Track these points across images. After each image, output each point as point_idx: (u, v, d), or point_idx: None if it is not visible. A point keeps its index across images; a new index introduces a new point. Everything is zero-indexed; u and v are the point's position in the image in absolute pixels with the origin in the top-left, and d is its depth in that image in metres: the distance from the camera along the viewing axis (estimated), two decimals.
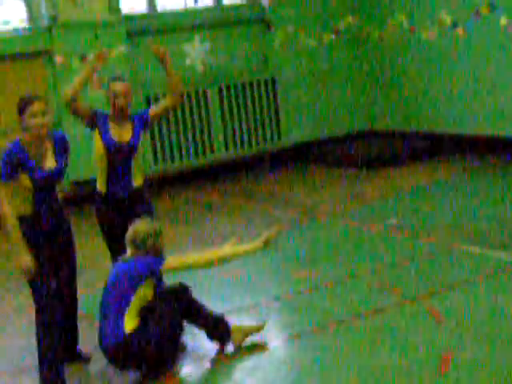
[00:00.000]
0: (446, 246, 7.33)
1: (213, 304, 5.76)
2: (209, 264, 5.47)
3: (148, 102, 11.60)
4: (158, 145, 11.77)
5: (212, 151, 12.19)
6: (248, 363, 5.36)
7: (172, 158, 11.94)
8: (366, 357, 5.17)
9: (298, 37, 12.72)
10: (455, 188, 9.79)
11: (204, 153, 12.14)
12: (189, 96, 11.96)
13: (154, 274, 5.31)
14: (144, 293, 5.28)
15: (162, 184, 11.51)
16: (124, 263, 5.36)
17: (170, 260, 5.35)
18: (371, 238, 8.06)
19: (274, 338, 5.70)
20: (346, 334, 5.64)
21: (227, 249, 5.52)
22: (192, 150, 12.04)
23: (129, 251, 5.39)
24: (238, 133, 12.37)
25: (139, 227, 5.37)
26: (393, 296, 6.21)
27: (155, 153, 11.74)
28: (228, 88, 12.27)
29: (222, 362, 5.43)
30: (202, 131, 12.12)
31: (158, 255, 5.39)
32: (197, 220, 9.58)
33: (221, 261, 5.49)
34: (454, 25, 11.37)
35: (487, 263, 6.72)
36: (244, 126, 12.40)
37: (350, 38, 13.10)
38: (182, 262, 5.41)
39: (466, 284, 6.29)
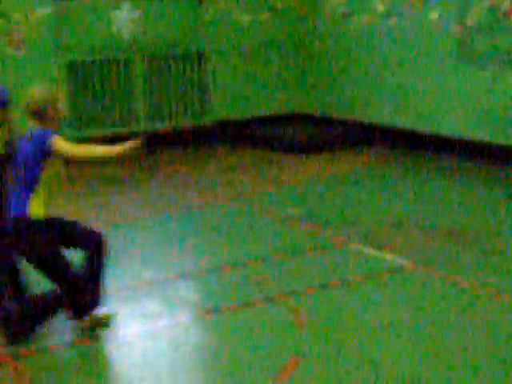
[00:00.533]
0: (340, 242, 7.14)
1: None
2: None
3: (71, 68, 11.29)
4: (77, 110, 11.45)
5: (132, 122, 11.90)
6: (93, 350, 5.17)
7: (90, 125, 11.63)
8: (211, 354, 5.00)
9: (232, 12, 12.42)
10: (372, 181, 9.60)
11: (123, 123, 11.85)
12: (113, 64, 11.65)
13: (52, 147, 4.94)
14: (49, 177, 5.00)
15: None
16: (26, 138, 5.06)
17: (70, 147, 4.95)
18: (266, 225, 7.84)
19: (126, 327, 5.45)
20: (200, 328, 5.47)
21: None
22: (111, 119, 11.75)
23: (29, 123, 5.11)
24: (160, 105, 12.09)
25: (33, 94, 5.07)
26: (264, 290, 5.98)
27: (73, 118, 11.43)
28: (154, 59, 11.96)
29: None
30: (123, 101, 11.81)
31: (58, 125, 5.13)
32: (98, 192, 9.32)
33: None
34: (388, 14, 11.20)
35: (376, 265, 6.50)
36: (168, 99, 12.13)
37: (286, 18, 12.83)
38: (84, 150, 5.01)
39: (345, 285, 6.06)
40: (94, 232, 5.38)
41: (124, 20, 11.71)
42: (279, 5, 12.71)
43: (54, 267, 5.15)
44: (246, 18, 12.53)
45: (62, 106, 5.15)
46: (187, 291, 6.13)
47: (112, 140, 11.39)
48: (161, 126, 12.10)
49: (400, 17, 11.01)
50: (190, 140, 12.25)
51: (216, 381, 4.65)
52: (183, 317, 5.60)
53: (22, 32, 10.61)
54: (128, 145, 4.95)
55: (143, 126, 11.94)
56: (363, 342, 5.05)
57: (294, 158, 11.00)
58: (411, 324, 5.33)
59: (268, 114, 12.87)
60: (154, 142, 11.96)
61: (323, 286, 6.05)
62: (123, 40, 11.72)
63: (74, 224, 5.36)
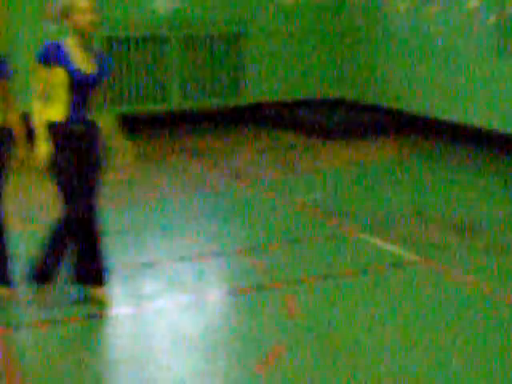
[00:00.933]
0: (348, 232, 7.05)
1: None
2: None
3: (107, 43, 11.34)
4: (111, 86, 11.50)
5: (165, 100, 11.92)
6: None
7: (123, 101, 11.68)
8: (200, 337, 4.96)
9: None
10: (396, 171, 9.45)
11: (156, 101, 11.87)
12: (149, 41, 11.68)
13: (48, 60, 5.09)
14: (52, 86, 5.11)
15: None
16: None
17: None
18: (279, 211, 7.80)
19: (123, 306, 5.48)
20: (195, 312, 5.42)
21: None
22: (145, 96, 11.78)
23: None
24: (196, 84, 12.07)
25: None
26: (264, 277, 5.95)
27: (108, 94, 11.47)
28: (191, 37, 11.94)
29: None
30: (157, 78, 11.83)
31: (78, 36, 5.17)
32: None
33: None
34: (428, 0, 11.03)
35: (380, 257, 6.39)
36: (203, 78, 12.10)
37: (328, 2, 12.69)
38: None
39: (346, 276, 6.00)
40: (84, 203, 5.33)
41: None
42: None
43: (59, 178, 5.17)
44: (287, 2, 12.42)
45: (88, 18, 5.11)
46: (189, 274, 6.10)
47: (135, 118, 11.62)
48: (194, 105, 12.09)
49: (440, 3, 10.79)
50: (222, 121, 12.22)
51: (200, 364, 4.63)
52: (180, 299, 5.59)
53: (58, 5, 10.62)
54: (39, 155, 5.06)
55: (176, 104, 11.95)
56: (350, 336, 4.97)
57: (323, 143, 10.91)
58: (405, 319, 5.22)
59: (303, 97, 12.77)
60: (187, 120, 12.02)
61: (323, 276, 5.98)
62: (160, 17, 11.71)
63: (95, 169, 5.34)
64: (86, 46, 5.23)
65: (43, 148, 5.07)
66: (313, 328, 5.09)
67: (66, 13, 5.16)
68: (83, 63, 5.20)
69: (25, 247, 6.30)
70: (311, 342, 4.89)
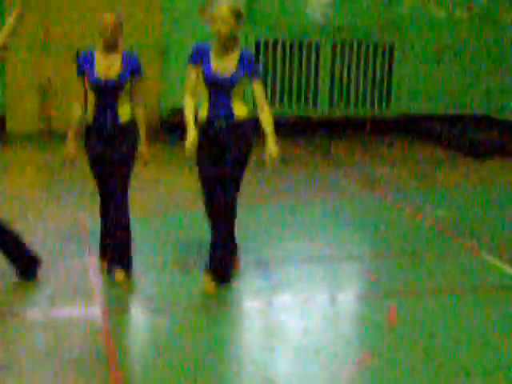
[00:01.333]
0: (469, 250, 6.99)
1: None
2: None
3: (258, 46, 11.63)
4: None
5: (314, 105, 12.12)
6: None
7: (276, 104, 11.97)
8: (301, 338, 5.07)
9: (427, 6, 12.27)
10: None
11: (306, 105, 12.10)
12: (301, 46, 11.90)
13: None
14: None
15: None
16: None
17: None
18: (402, 222, 7.85)
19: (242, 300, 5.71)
20: (305, 316, 5.53)
21: None
22: (294, 101, 12.02)
23: None
24: (344, 92, 12.20)
25: None
26: (369, 285, 6.05)
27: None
28: (343, 44, 12.07)
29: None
30: (307, 84, 12.04)
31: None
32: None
33: None
34: None
35: (495, 278, 6.29)
36: (352, 87, 12.21)
37: (482, 17, 12.50)
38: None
39: (454, 294, 5.98)
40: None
41: (318, 3, 11.86)
42: (477, 3, 12.39)
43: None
44: (441, 14, 12.34)
45: (220, 28, 5.43)
46: (302, 276, 6.23)
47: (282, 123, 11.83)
48: (341, 113, 12.22)
49: None
50: (366, 130, 12.29)
51: (293, 366, 4.77)
52: (287, 299, 5.75)
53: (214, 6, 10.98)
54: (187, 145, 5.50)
55: (324, 110, 12.12)
56: (448, 352, 4.94)
57: (464, 159, 10.80)
58: (509, 341, 5.15)
59: (449, 112, 12.65)
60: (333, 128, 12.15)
61: (433, 291, 5.98)
62: (314, 23, 11.89)
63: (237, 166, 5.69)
64: (227, 49, 5.52)
65: (190, 139, 5.47)
66: (410, 340, 5.11)
67: (211, 19, 5.59)
68: (220, 65, 5.54)
69: (153, 236, 6.65)
70: (405, 353, 4.91)
